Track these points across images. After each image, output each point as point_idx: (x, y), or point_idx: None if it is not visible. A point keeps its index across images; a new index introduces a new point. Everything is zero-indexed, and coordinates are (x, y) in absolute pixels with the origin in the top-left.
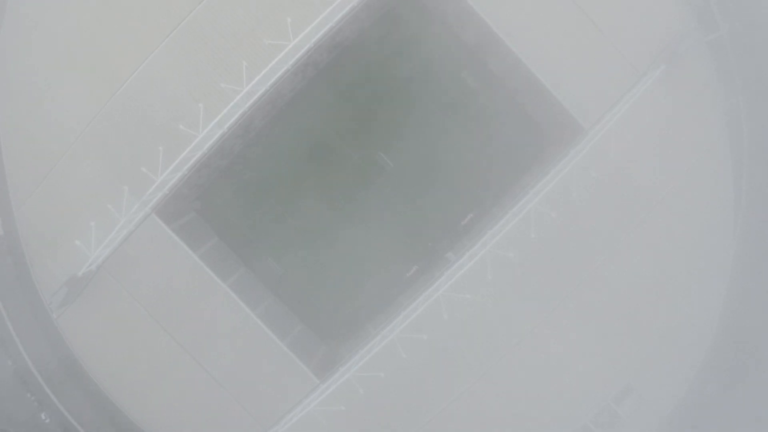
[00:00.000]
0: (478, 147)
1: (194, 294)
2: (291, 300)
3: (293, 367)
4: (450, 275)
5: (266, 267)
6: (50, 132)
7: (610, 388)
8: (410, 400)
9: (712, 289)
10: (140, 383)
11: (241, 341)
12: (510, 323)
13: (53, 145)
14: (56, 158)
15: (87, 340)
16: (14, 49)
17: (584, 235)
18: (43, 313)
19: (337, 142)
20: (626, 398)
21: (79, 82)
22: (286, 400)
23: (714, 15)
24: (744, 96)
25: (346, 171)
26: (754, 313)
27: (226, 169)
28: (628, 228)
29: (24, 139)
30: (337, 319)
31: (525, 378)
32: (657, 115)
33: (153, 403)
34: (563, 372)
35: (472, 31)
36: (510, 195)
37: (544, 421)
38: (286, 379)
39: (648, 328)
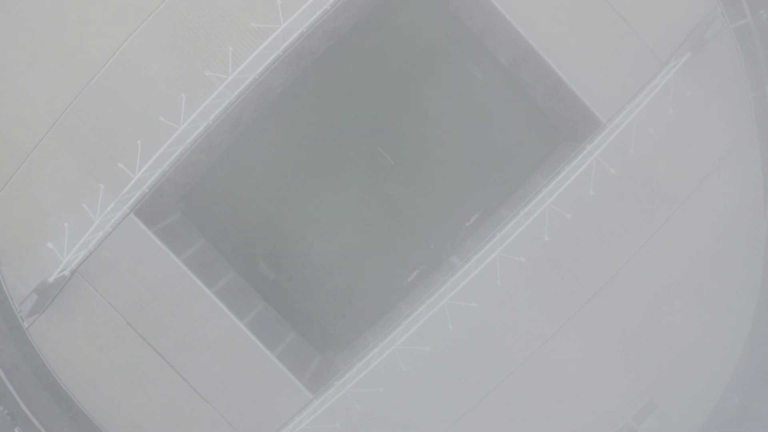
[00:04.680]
0: (485, 143)
1: (177, 301)
2: (283, 307)
3: (284, 380)
4: (455, 282)
5: (257, 271)
6: (18, 125)
7: (630, 404)
8: (411, 418)
9: (741, 296)
10: (119, 398)
11: (228, 352)
12: (521, 334)
13: (22, 140)
14: (25, 153)
15: (61, 351)
16: None
17: (602, 238)
18: (15, 320)
19: (333, 137)
20: (648, 416)
21: (49, 71)
22: (276, 417)
23: (741, 0)
24: None
25: (343, 168)
26: None
27: (213, 166)
28: (650, 230)
29: None
30: (332, 328)
31: (537, 394)
32: (681, 107)
33: (132, 418)
34: (579, 387)
35: (480, 17)
36: (519, 194)
37: None
38: (276, 393)
39: (671, 339)
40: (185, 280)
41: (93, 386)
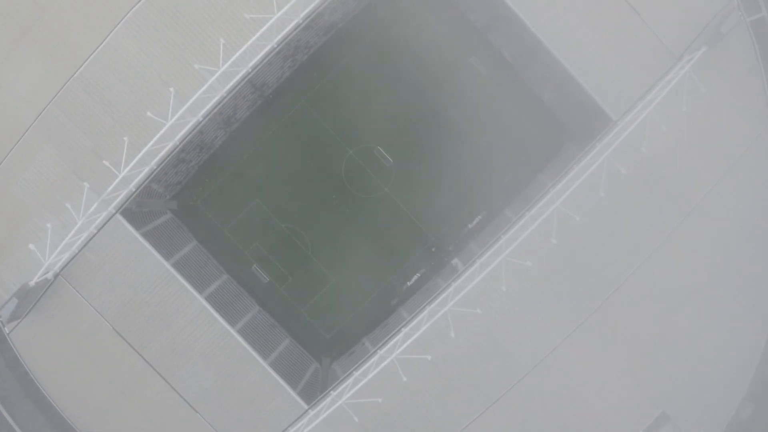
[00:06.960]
0: (488, 141)
1: (166, 306)
2: (278, 312)
3: (278, 389)
4: (459, 287)
5: (251, 274)
6: None
7: (642, 417)
8: (411, 431)
9: (757, 303)
10: (104, 406)
11: (219, 359)
12: (527, 343)
13: (2, 136)
14: (6, 150)
15: (44, 358)
16: None
17: (613, 242)
18: None
19: (330, 135)
20: (661, 428)
21: (31, 64)
22: (269, 427)
23: None
24: None
25: (341, 167)
26: None
27: (205, 164)
28: (663, 233)
29: None
30: (329, 334)
31: (544, 406)
32: (695, 104)
33: (118, 428)
34: (588, 399)
35: (483, 10)
36: (523, 195)
37: None
38: (269, 403)
39: (685, 348)
40: (175, 284)
41: (78, 394)
